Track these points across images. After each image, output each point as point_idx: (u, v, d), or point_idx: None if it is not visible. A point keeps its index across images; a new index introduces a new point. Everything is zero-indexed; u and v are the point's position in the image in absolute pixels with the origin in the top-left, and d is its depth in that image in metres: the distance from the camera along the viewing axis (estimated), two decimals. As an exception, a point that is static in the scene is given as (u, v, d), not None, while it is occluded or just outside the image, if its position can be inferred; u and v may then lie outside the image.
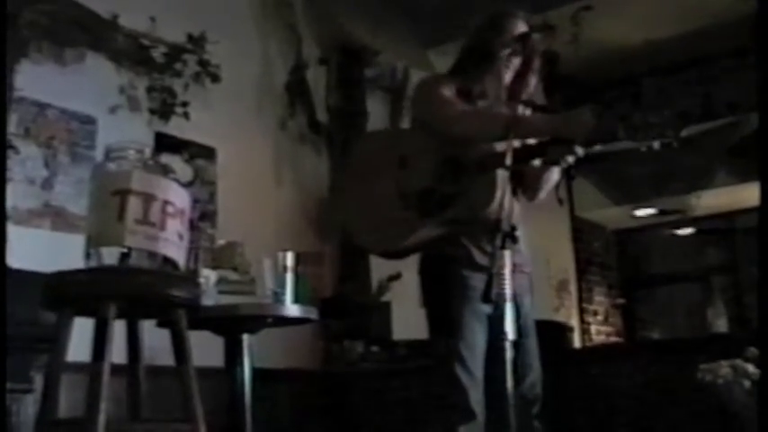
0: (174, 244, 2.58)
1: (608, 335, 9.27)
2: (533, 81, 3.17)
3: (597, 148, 2.98)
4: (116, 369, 2.46)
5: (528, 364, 3.08)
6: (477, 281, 2.78)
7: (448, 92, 3.08)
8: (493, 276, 2.53)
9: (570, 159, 2.93)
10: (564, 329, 6.85)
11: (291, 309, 3.24)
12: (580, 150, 2.89)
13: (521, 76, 3.15)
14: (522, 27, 3.15)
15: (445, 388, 2.94)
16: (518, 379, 2.81)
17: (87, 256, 2.54)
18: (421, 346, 5.23)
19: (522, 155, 2.96)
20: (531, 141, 3.03)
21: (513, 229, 2.66)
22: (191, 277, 2.85)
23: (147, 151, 2.72)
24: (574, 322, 8.53)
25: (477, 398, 2.90)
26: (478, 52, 3.14)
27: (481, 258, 2.94)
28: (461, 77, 3.15)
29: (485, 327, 2.94)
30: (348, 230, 3.21)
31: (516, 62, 3.12)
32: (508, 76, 3.14)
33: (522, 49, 3.08)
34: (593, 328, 9.04)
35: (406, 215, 2.97)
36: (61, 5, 4.33)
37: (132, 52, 4.76)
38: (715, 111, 8.33)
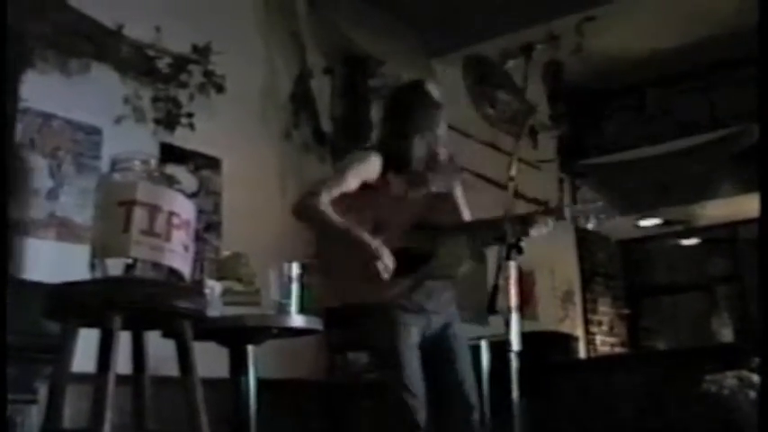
0: (179, 255, 2.58)
1: (613, 345, 9.26)
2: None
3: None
4: (121, 379, 2.46)
5: (462, 380, 3.37)
6: (408, 319, 3.26)
7: (350, 171, 3.39)
8: (498, 288, 2.55)
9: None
10: (569, 340, 6.86)
11: (296, 320, 3.23)
12: (535, 232, 3.31)
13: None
14: (435, 91, 3.50)
15: (395, 409, 3.22)
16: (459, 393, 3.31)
17: (92, 266, 2.54)
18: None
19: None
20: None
21: (519, 240, 2.69)
22: (196, 288, 2.84)
23: (153, 162, 2.72)
24: (579, 333, 8.53)
25: (421, 414, 3.19)
26: (400, 126, 3.49)
27: (410, 304, 3.29)
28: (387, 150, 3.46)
29: (417, 354, 3.27)
30: (328, 288, 3.39)
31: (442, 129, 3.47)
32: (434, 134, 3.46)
33: (527, 61, 3.15)
34: (598, 339, 9.04)
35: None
36: (66, 16, 4.34)
37: (137, 63, 4.76)
38: (719, 120, 8.34)
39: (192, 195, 4.67)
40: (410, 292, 3.31)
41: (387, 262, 3.23)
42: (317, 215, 3.32)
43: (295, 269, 3.23)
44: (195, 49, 5.00)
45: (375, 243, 3.25)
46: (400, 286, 3.29)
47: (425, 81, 3.58)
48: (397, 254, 3.27)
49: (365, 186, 3.39)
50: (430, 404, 3.21)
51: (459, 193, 3.62)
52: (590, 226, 3.43)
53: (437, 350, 3.33)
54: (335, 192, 3.36)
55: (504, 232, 3.27)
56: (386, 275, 3.23)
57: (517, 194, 3.35)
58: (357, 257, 3.26)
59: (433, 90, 3.51)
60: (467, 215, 3.57)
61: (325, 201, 3.34)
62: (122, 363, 2.53)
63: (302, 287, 3.27)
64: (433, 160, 3.49)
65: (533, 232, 3.33)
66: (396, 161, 3.42)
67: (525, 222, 3.31)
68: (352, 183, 3.37)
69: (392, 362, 3.26)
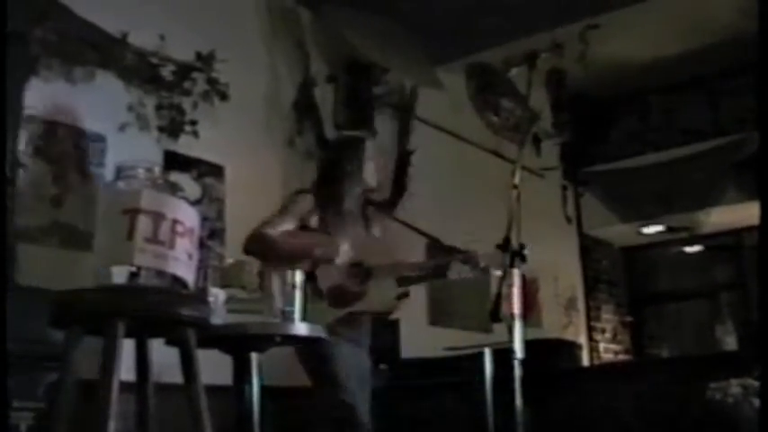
0: (183, 263, 2.58)
1: (616, 352, 9.25)
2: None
3: None
4: (125, 387, 2.46)
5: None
6: (340, 344, 3.71)
7: (291, 210, 3.85)
8: (501, 295, 2.56)
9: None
10: (572, 347, 6.85)
11: (300, 327, 3.23)
12: (452, 276, 3.93)
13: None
14: (370, 149, 4.02)
15: (336, 411, 3.69)
16: None
17: (96, 274, 2.54)
18: (430, 365, 5.23)
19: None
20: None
21: (522, 247, 2.70)
22: (199, 296, 2.84)
23: (157, 170, 2.72)
24: (582, 340, 8.52)
25: (362, 411, 3.71)
26: (336, 171, 3.97)
27: (343, 330, 3.75)
28: (326, 195, 3.93)
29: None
30: None
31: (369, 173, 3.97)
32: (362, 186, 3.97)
33: (530, 68, 3.21)
34: (601, 346, 9.02)
35: (317, 305, 3.61)
36: (71, 24, 4.35)
37: (141, 70, 4.77)
38: (723, 127, 8.34)
39: (195, 203, 4.67)
40: (342, 325, 3.74)
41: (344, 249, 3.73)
42: (270, 241, 3.70)
43: (298, 277, 3.22)
44: (199, 56, 5.02)
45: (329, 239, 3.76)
46: (333, 317, 3.71)
47: (364, 137, 4.21)
48: (332, 290, 3.73)
49: (303, 227, 3.82)
50: None
51: (385, 236, 4.15)
52: (498, 273, 3.78)
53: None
54: (277, 230, 3.75)
55: (425, 275, 4.20)
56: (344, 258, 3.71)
57: (436, 243, 4.03)
58: None
59: (369, 147, 4.04)
60: (393, 258, 4.04)
61: (272, 233, 3.74)
62: (126, 370, 2.53)
63: (305, 294, 3.27)
64: (364, 207, 4.02)
65: (450, 275, 3.90)
66: (330, 206, 3.90)
67: (444, 268, 3.91)
68: (291, 223, 3.79)
69: (329, 371, 3.71)
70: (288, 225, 3.79)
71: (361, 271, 3.84)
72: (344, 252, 3.75)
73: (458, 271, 3.86)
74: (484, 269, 3.82)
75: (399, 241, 4.26)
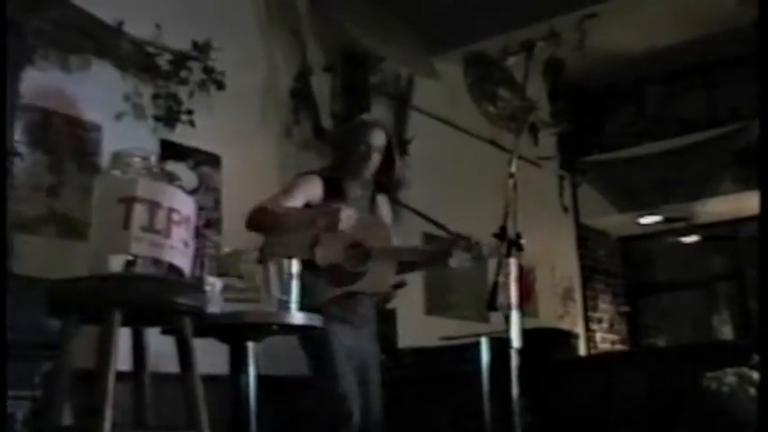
0: (179, 251, 2.58)
1: (613, 342, 9.26)
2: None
3: None
4: (121, 376, 2.46)
5: (369, 407, 3.73)
6: (335, 325, 3.63)
7: (296, 190, 3.80)
8: (498, 285, 2.56)
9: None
10: (569, 337, 6.85)
11: (296, 316, 3.23)
12: (453, 263, 3.80)
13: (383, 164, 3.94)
14: (380, 136, 3.88)
15: (327, 401, 3.61)
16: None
17: (93, 263, 2.53)
18: (427, 354, 5.23)
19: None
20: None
21: (519, 236, 2.70)
22: (196, 285, 2.84)
23: (153, 159, 2.72)
24: (579, 329, 8.53)
25: (352, 402, 3.58)
26: (344, 159, 3.91)
27: (337, 313, 3.70)
28: (332, 178, 3.88)
29: (344, 354, 3.68)
30: None
31: (377, 160, 3.87)
32: (370, 172, 3.90)
33: (527, 57, 3.21)
34: (598, 336, 9.04)
35: (316, 282, 3.62)
36: (66, 13, 4.33)
37: (137, 59, 4.76)
38: (719, 117, 8.35)
39: (191, 192, 4.67)
40: (336, 305, 3.70)
41: (349, 213, 3.59)
42: (272, 212, 3.66)
43: (295, 266, 3.22)
44: (195, 45, 5.00)
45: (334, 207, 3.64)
46: (331, 295, 3.69)
47: (375, 124, 3.97)
48: (331, 268, 3.71)
49: (307, 206, 3.76)
50: None
51: (389, 221, 4.06)
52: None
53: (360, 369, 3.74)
54: (282, 205, 3.70)
55: (426, 261, 4.15)
56: (348, 224, 3.59)
57: (442, 228, 3.83)
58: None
59: (378, 134, 3.89)
60: (395, 241, 3.90)
61: (275, 207, 3.70)
62: (122, 359, 2.53)
63: (302, 284, 3.26)
64: (372, 190, 3.97)
65: (451, 263, 3.77)
66: (335, 189, 3.84)
67: (445, 255, 3.78)
68: (297, 200, 3.74)
69: (322, 355, 3.65)
70: (294, 203, 3.73)
71: (360, 252, 3.76)
72: (349, 218, 3.60)
73: (459, 259, 3.76)
74: (484, 258, 3.72)
75: (397, 227, 4.15)
